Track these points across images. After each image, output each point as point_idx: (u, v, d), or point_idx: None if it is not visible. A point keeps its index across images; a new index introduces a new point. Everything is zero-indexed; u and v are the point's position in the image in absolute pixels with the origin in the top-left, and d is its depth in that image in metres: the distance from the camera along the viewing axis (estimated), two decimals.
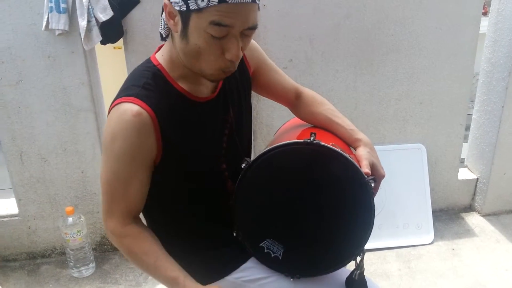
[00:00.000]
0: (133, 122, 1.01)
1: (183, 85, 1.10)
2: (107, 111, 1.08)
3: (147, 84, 1.06)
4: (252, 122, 1.40)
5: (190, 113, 1.11)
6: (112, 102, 1.06)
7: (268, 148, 1.10)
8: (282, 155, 1.08)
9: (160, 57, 1.11)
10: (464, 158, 2.86)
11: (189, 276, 1.12)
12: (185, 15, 0.97)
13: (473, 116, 2.75)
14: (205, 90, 1.15)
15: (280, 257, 1.15)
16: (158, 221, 1.20)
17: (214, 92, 1.17)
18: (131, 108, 1.01)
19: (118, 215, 1.11)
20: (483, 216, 2.73)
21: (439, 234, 2.55)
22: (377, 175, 1.18)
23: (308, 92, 1.37)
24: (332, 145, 1.08)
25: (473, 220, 2.70)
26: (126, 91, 1.05)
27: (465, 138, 2.71)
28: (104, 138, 1.06)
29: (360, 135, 1.25)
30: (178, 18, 0.99)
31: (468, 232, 2.58)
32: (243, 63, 1.25)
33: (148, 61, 1.12)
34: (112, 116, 1.04)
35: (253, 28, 1.00)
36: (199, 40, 0.98)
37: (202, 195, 1.20)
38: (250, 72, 1.28)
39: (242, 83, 1.25)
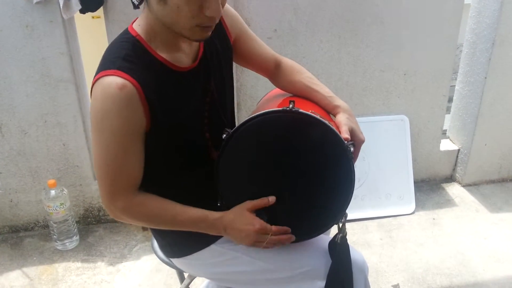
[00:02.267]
0: (119, 95, 0.99)
1: (163, 55, 1.09)
2: (90, 85, 1.06)
3: (127, 55, 1.04)
4: (236, 93, 1.39)
5: (172, 83, 1.10)
6: (94, 77, 1.03)
7: (248, 118, 1.10)
8: (261, 124, 1.09)
9: (138, 27, 1.08)
10: (446, 129, 2.89)
11: (212, 211, 1.15)
12: None
13: (456, 87, 2.76)
14: (185, 58, 1.13)
15: (266, 220, 1.16)
16: (146, 190, 1.20)
17: (195, 60, 1.15)
18: (115, 81, 0.99)
19: (124, 192, 1.10)
20: (463, 186, 2.78)
21: (420, 204, 2.59)
22: (356, 140, 1.20)
23: (287, 61, 1.37)
24: (311, 112, 1.09)
25: (454, 190, 2.75)
26: (107, 65, 1.03)
27: (448, 110, 2.73)
28: (93, 116, 1.03)
29: (339, 101, 1.26)
30: None
31: (448, 202, 2.63)
32: (224, 32, 1.24)
33: (126, 32, 1.10)
34: (97, 91, 1.01)
35: None
36: (177, 1, 0.96)
37: (188, 164, 1.20)
38: (231, 41, 1.27)
39: (223, 53, 1.24)
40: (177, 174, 1.21)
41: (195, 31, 1.02)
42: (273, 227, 1.13)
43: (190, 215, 1.14)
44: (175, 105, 1.10)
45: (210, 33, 1.05)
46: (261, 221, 1.12)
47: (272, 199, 1.13)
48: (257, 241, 1.14)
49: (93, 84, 1.03)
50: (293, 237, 1.16)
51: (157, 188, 1.16)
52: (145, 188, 1.15)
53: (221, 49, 1.23)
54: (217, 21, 1.04)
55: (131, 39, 1.07)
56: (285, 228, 1.15)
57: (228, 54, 1.26)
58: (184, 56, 1.13)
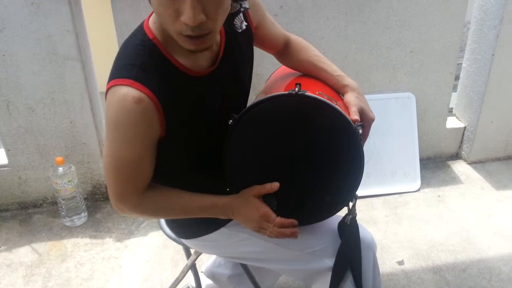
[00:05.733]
0: (135, 109, 0.96)
1: (181, 59, 1.03)
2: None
3: (144, 63, 0.99)
4: None
5: (189, 90, 1.06)
6: (109, 81, 1.00)
7: (254, 102, 1.09)
8: (268, 108, 1.08)
9: (153, 25, 1.03)
10: (453, 107, 2.88)
11: (222, 196, 1.15)
12: None
13: (463, 65, 2.74)
14: (204, 62, 1.08)
15: (275, 209, 1.16)
16: (158, 180, 1.18)
17: (215, 62, 1.10)
18: (132, 93, 0.96)
19: (134, 192, 1.09)
20: (469, 164, 2.77)
21: (425, 182, 2.60)
22: (366, 119, 1.19)
23: (295, 39, 1.34)
24: (318, 94, 1.08)
25: (459, 167, 2.75)
26: (123, 72, 0.99)
27: (454, 88, 2.72)
28: (107, 123, 1.01)
29: (347, 80, 1.24)
30: None
31: (454, 180, 2.63)
32: (246, 21, 1.18)
33: (142, 32, 1.03)
34: (112, 101, 0.98)
35: None
36: (155, 3, 0.91)
37: (200, 154, 1.18)
38: (253, 29, 1.23)
39: (245, 44, 1.19)
40: (190, 161, 1.19)
41: (182, 40, 0.94)
42: (277, 219, 1.12)
43: (199, 204, 1.14)
44: (192, 111, 1.08)
45: (202, 45, 0.95)
46: (266, 208, 1.12)
47: (275, 185, 1.12)
48: (261, 228, 1.14)
49: (107, 89, 1.00)
50: (297, 233, 1.14)
51: (164, 183, 1.15)
52: (159, 178, 1.13)
53: (243, 41, 1.18)
54: (208, 37, 0.94)
55: (147, 43, 1.01)
56: (290, 221, 1.13)
57: (249, 43, 1.22)
58: (202, 59, 1.07)
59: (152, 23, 1.03)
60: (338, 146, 1.10)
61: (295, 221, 1.14)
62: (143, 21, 1.06)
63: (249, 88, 1.29)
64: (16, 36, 2.07)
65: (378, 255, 1.98)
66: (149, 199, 1.12)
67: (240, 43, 1.16)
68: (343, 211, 1.22)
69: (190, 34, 0.91)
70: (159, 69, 1.01)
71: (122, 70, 1.00)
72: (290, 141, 1.10)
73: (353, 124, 1.07)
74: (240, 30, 1.12)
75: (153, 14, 1.04)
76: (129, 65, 1.00)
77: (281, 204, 1.14)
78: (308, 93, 1.05)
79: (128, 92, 0.96)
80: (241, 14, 1.12)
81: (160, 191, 1.13)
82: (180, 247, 2.02)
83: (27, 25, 2.05)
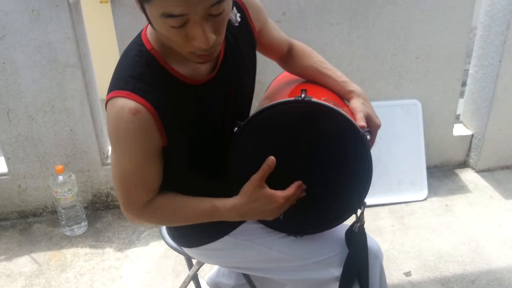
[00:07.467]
0: (133, 120, 0.96)
1: (179, 68, 1.02)
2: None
3: (142, 74, 0.99)
4: None
5: (190, 98, 1.05)
6: (108, 93, 1.00)
7: (259, 109, 1.07)
8: (274, 115, 1.06)
9: (151, 36, 1.02)
10: (460, 114, 2.83)
11: (222, 199, 1.09)
12: (140, 4, 0.89)
13: (470, 71, 2.70)
14: (203, 69, 1.07)
15: (282, 218, 1.13)
16: (162, 187, 1.16)
17: (214, 69, 1.08)
18: (129, 105, 0.95)
19: (141, 200, 1.08)
20: (477, 172, 2.72)
21: (433, 190, 2.55)
22: (372, 125, 1.16)
23: (298, 45, 1.32)
24: (324, 100, 1.06)
25: (467, 176, 2.70)
26: (121, 84, 0.98)
27: (461, 94, 2.68)
28: (109, 134, 1.02)
29: (353, 86, 1.21)
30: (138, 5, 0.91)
31: (462, 188, 2.58)
32: (249, 28, 1.17)
33: (140, 42, 1.02)
34: (111, 113, 0.98)
35: (217, 3, 0.87)
36: (161, 29, 0.90)
37: (205, 162, 1.16)
38: (256, 34, 1.21)
39: (247, 49, 1.17)
40: (195, 171, 1.17)
41: (192, 57, 0.95)
42: (289, 190, 1.06)
43: (201, 209, 1.10)
44: (194, 120, 1.06)
45: (213, 56, 0.97)
46: (281, 194, 1.05)
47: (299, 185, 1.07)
48: (280, 210, 1.08)
49: (107, 101, 1.00)
50: (302, 186, 1.08)
51: (175, 185, 1.13)
52: (164, 186, 1.12)
53: (245, 46, 1.16)
54: (217, 49, 0.96)
55: (145, 54, 1.00)
56: (295, 185, 1.07)
57: (252, 48, 1.20)
58: (201, 66, 1.06)
59: (149, 33, 1.03)
60: (345, 152, 1.08)
61: (299, 182, 1.08)
62: (141, 31, 1.05)
63: (252, 94, 1.26)
64: (16, 43, 2.05)
65: (384, 266, 1.94)
66: (155, 206, 1.10)
67: (241, 47, 1.14)
68: (349, 220, 1.18)
69: (203, 53, 0.94)
70: (157, 80, 1.00)
71: (120, 82, 0.99)
72: (297, 148, 1.08)
73: (361, 130, 1.05)
74: (237, 24, 1.09)
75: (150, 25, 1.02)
76: (127, 76, 0.99)
77: (288, 212, 1.11)
78: (315, 99, 1.03)
79: (125, 103, 0.96)
80: (234, 8, 1.09)
81: (166, 197, 1.11)
82: (181, 258, 1.99)
83: (27, 32, 2.04)
